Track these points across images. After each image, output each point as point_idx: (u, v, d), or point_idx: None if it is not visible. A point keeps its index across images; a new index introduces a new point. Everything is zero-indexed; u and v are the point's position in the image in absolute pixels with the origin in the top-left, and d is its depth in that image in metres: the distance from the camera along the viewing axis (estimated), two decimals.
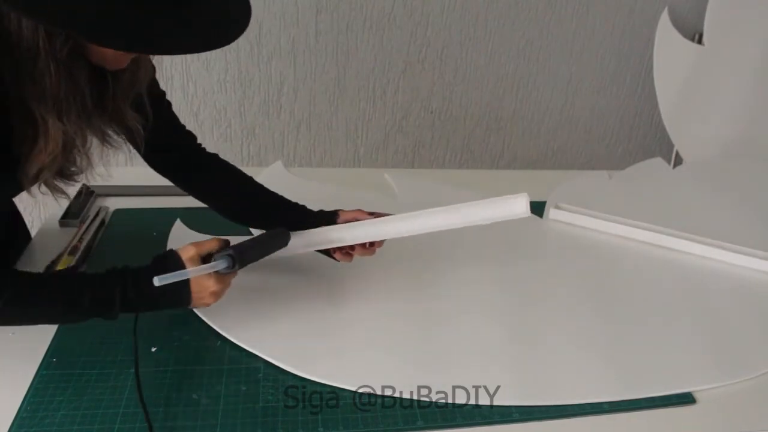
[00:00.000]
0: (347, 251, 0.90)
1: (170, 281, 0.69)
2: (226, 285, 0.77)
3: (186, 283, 0.73)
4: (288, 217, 0.92)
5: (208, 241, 0.76)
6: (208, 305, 0.77)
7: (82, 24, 0.55)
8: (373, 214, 0.88)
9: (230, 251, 0.75)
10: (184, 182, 0.95)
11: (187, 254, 0.73)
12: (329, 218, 0.91)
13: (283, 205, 0.94)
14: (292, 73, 1.77)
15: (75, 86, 0.62)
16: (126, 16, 0.55)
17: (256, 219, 0.96)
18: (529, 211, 0.75)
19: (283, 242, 0.84)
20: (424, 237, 1.07)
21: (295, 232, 0.88)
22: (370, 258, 0.91)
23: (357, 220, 0.89)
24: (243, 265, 0.76)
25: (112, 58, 0.65)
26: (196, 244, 0.75)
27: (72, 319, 0.74)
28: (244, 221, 0.98)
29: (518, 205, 0.75)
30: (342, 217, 0.90)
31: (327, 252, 0.92)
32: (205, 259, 0.75)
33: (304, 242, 0.89)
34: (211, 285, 0.74)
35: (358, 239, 0.87)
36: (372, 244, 0.88)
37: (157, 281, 0.68)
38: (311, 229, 0.89)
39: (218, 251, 0.75)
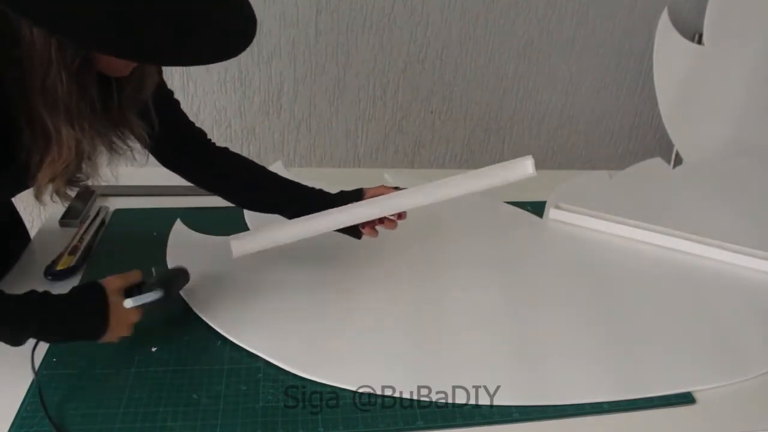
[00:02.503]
0: (374, 225, 0.92)
1: (143, 302, 0.72)
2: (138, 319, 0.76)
3: (104, 314, 0.71)
4: (311, 202, 0.92)
5: (130, 273, 0.76)
6: (117, 339, 0.74)
7: (85, 32, 0.54)
8: (396, 189, 0.91)
9: (161, 283, 0.77)
10: (199, 179, 0.95)
11: (112, 285, 0.73)
12: (355, 196, 0.92)
13: (304, 191, 0.95)
14: (292, 73, 1.77)
15: (86, 95, 0.62)
16: (131, 27, 0.55)
17: (278, 207, 0.96)
18: (535, 171, 0.82)
19: (187, 279, 0.86)
20: (424, 236, 1.07)
21: (325, 211, 0.90)
22: (370, 258, 0.91)
23: (382, 195, 0.90)
24: (172, 296, 0.79)
25: (116, 65, 0.65)
26: (120, 276, 0.74)
27: None
28: (264, 210, 0.98)
29: (525, 167, 0.82)
30: (368, 193, 0.92)
31: (353, 230, 0.93)
32: (128, 291, 0.74)
33: (335, 220, 0.90)
34: (132, 316, 0.74)
35: (386, 211, 0.89)
36: (399, 216, 0.91)
37: (131, 302, 0.71)
38: (341, 207, 0.90)
39: (142, 282, 0.76)
